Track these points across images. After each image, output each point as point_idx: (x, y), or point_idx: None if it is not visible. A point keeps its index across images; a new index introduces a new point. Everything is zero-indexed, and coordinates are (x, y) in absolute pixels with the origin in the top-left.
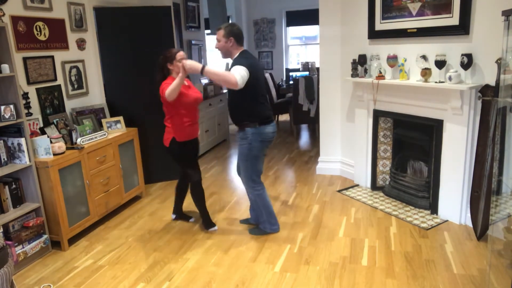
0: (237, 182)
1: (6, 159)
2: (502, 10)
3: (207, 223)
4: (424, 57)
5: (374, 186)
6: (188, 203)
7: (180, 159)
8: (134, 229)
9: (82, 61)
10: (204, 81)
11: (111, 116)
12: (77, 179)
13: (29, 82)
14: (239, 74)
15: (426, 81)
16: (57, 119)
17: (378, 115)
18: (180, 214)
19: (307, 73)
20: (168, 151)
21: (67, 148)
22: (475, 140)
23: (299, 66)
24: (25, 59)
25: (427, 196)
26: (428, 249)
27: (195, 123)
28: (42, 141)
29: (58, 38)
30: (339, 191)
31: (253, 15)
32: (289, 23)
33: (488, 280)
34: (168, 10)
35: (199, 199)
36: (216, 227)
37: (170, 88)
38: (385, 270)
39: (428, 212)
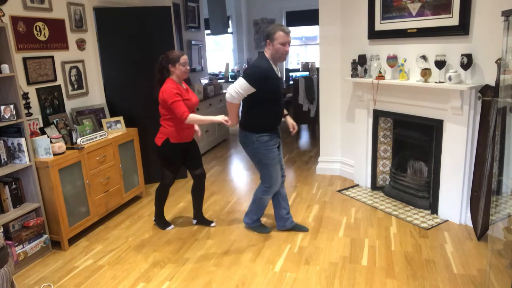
0: (237, 182)
1: (6, 159)
2: (502, 10)
3: (163, 223)
4: (424, 57)
5: (374, 186)
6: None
7: (166, 160)
8: (134, 229)
9: (82, 61)
10: (204, 81)
11: (111, 116)
12: (77, 179)
13: (29, 82)
14: None
15: (426, 81)
16: (57, 119)
17: (378, 115)
18: (200, 219)
19: (307, 73)
20: (159, 150)
21: (67, 148)
22: (475, 140)
23: (299, 66)
24: (25, 59)
25: (427, 196)
26: (428, 249)
27: (191, 126)
28: (42, 141)
29: (58, 38)
30: (339, 191)
31: (253, 15)
32: (289, 23)
33: (488, 280)
34: (168, 10)
35: (161, 199)
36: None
37: (197, 119)
38: (385, 270)
39: (428, 212)
